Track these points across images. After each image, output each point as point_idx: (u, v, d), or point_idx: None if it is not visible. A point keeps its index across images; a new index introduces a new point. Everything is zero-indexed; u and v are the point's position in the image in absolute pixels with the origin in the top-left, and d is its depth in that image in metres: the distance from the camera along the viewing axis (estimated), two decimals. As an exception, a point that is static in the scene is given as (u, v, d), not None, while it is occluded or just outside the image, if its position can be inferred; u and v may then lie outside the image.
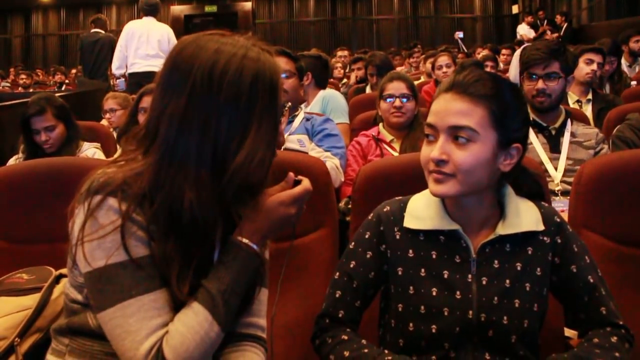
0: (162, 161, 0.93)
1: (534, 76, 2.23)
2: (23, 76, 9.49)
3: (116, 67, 5.40)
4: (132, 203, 0.92)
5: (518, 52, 4.48)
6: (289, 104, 1.98)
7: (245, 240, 0.99)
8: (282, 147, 2.23)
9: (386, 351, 1.12)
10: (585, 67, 3.29)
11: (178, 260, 0.94)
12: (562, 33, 9.07)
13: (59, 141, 2.62)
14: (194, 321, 0.92)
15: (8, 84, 10.00)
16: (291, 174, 1.04)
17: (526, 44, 5.21)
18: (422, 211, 1.18)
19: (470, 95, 1.09)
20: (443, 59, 4.64)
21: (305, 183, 1.04)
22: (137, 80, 5.02)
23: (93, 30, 6.22)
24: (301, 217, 1.05)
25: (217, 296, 0.94)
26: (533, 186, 1.22)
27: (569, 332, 1.39)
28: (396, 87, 2.56)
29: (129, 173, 0.94)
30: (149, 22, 5.34)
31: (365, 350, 1.11)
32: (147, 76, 4.76)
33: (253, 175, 0.95)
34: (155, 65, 4.99)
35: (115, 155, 2.62)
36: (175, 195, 0.92)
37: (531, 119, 2.26)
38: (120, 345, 0.91)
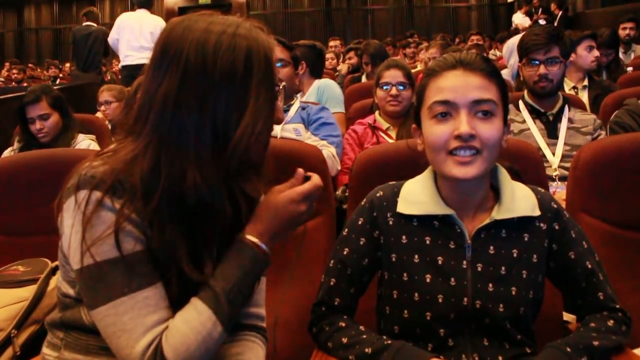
0: (160, 144, 0.91)
1: (536, 62, 2.22)
2: (14, 71, 9.45)
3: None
4: (123, 198, 0.89)
5: (515, 39, 4.45)
6: (284, 83, 1.96)
7: (254, 240, 0.95)
8: (279, 136, 2.22)
9: (384, 336, 1.11)
10: (588, 55, 3.21)
11: (185, 243, 0.92)
12: (557, 21, 9.03)
13: (53, 130, 2.61)
14: (197, 320, 0.89)
15: (2, 79, 9.94)
16: (300, 170, 1.00)
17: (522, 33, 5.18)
18: (415, 196, 1.16)
19: (483, 72, 1.10)
20: (432, 52, 4.59)
21: (315, 179, 0.99)
22: (130, 73, 4.98)
23: (85, 24, 6.16)
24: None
25: (222, 296, 0.91)
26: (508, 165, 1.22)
27: (567, 317, 1.39)
28: (393, 75, 2.54)
29: (118, 164, 0.91)
30: (142, 14, 5.29)
31: (364, 336, 1.10)
32: (141, 69, 4.71)
33: (254, 148, 0.93)
34: (149, 57, 4.95)
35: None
36: (177, 176, 0.90)
37: (529, 104, 2.26)
38: (115, 343, 0.89)
